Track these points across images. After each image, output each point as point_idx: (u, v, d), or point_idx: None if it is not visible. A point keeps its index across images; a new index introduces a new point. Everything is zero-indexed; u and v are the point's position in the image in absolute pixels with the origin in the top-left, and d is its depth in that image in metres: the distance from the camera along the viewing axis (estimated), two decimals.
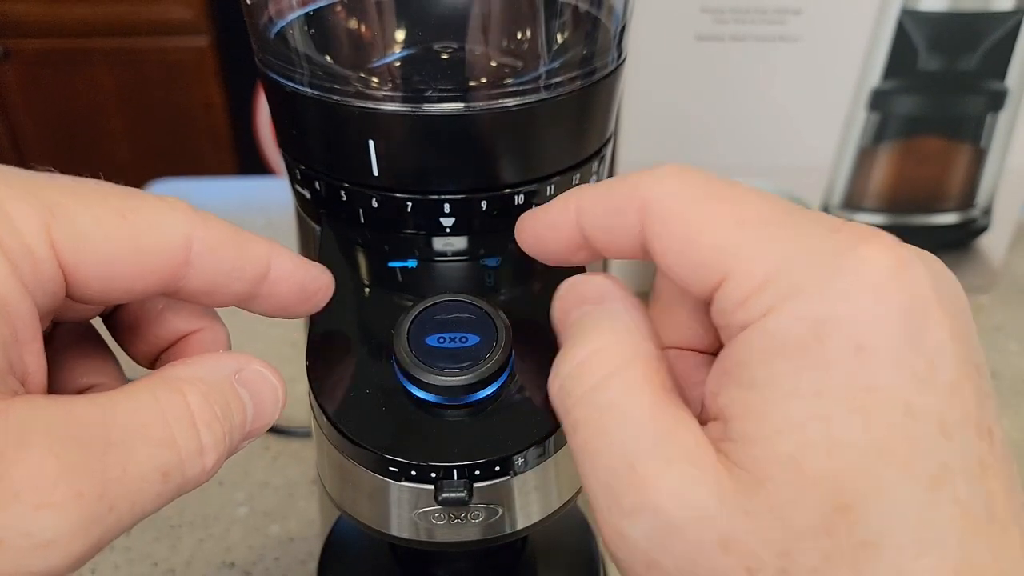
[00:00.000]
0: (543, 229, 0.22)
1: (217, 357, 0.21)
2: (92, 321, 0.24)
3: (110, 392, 0.19)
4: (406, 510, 0.25)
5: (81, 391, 0.23)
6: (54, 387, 0.21)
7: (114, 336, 0.24)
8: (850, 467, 0.16)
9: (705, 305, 0.20)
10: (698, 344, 0.22)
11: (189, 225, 0.21)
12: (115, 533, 0.18)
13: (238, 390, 0.21)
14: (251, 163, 1.62)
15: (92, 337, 0.24)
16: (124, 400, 0.18)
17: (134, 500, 0.18)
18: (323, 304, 0.24)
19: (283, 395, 0.22)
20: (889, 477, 0.16)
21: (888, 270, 0.17)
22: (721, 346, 0.19)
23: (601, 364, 0.19)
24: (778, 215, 0.19)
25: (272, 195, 0.82)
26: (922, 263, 0.18)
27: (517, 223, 0.23)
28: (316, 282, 0.24)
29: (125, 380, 0.24)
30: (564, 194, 0.22)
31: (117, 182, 0.22)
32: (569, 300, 0.22)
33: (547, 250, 0.23)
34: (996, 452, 0.17)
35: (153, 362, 0.24)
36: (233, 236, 0.22)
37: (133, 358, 0.24)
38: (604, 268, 0.62)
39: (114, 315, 0.24)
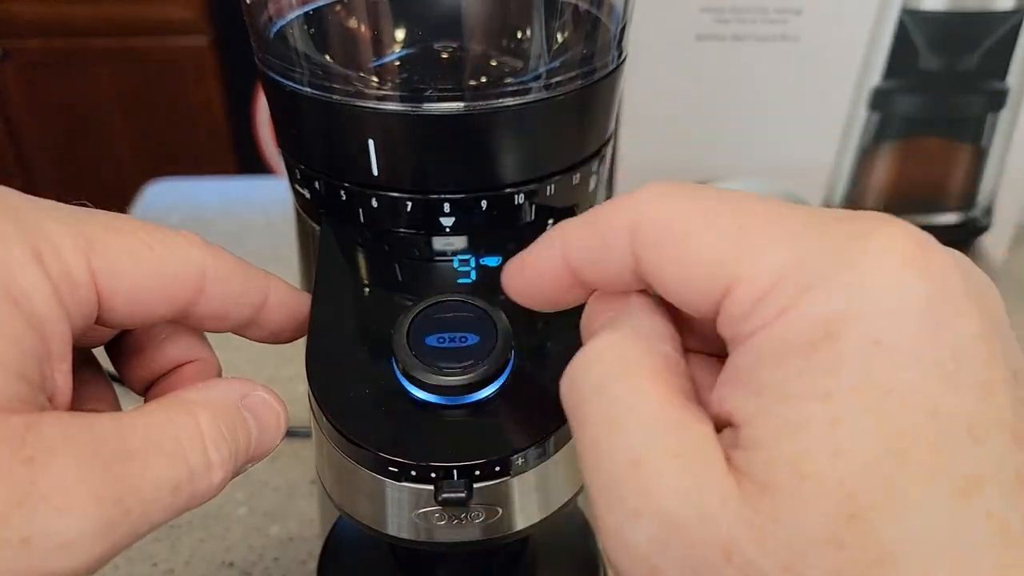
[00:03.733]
0: (530, 274, 0.22)
1: (226, 383, 0.23)
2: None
3: (128, 411, 0.20)
4: (406, 510, 0.25)
5: None
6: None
7: (114, 363, 0.26)
8: (862, 473, 0.15)
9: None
10: (705, 347, 0.21)
11: (203, 255, 0.23)
12: (129, 539, 0.19)
13: (244, 414, 0.23)
14: (251, 163, 1.62)
15: (93, 364, 0.26)
16: (141, 418, 0.20)
17: (147, 509, 0.19)
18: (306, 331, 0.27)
19: (285, 421, 0.24)
20: (908, 484, 0.15)
21: (907, 257, 0.16)
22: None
23: (613, 360, 0.19)
24: (778, 215, 0.17)
25: (272, 194, 0.82)
26: (946, 251, 0.17)
27: (503, 272, 0.22)
28: (306, 309, 0.26)
29: (120, 407, 0.26)
30: (546, 233, 0.21)
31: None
32: (595, 308, 0.21)
33: (539, 296, 0.22)
34: None
35: (146, 389, 0.26)
36: (240, 267, 0.24)
37: (129, 384, 0.26)
38: None
39: (117, 343, 0.26)
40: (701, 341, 0.21)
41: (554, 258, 0.21)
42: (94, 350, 0.26)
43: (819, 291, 0.16)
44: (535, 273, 0.21)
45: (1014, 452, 0.15)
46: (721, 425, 0.18)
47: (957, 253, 0.17)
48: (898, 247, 0.16)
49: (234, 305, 0.24)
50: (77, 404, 0.23)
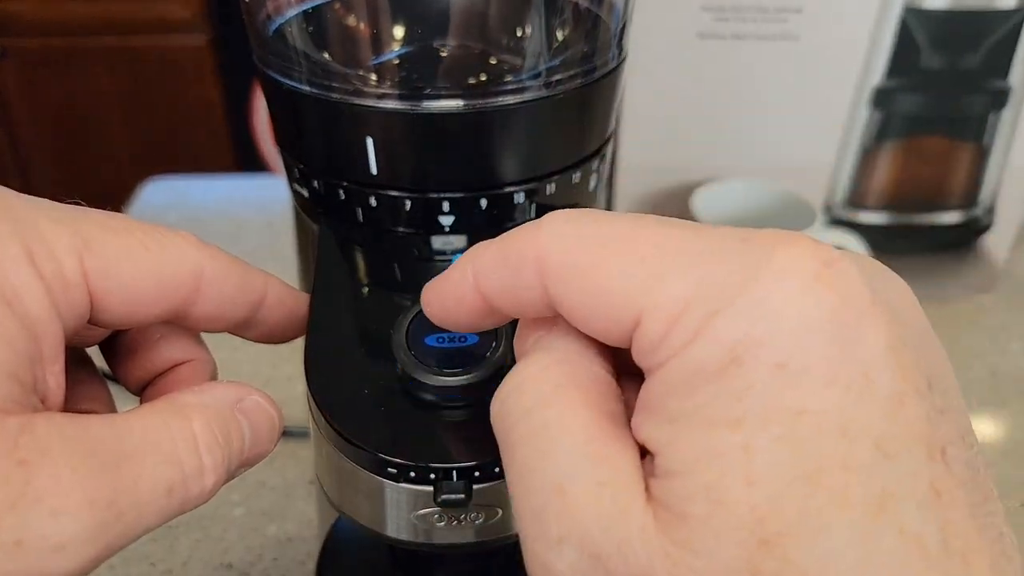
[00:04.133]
0: (446, 301, 0.21)
1: (221, 387, 0.23)
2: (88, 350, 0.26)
3: (122, 413, 0.20)
4: (405, 511, 0.25)
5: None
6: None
7: (109, 363, 0.26)
8: (773, 497, 0.15)
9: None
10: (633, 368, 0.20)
11: (200, 256, 0.23)
12: (123, 541, 0.19)
13: (238, 418, 0.22)
14: (249, 161, 1.62)
15: (88, 364, 0.26)
16: (135, 420, 0.20)
17: (141, 512, 0.19)
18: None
19: (279, 426, 0.24)
20: (819, 506, 0.15)
21: (810, 272, 0.16)
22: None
23: (543, 382, 0.18)
24: (680, 240, 0.17)
25: (270, 193, 0.82)
26: (852, 261, 0.16)
27: (422, 295, 0.22)
28: (304, 308, 0.26)
29: (115, 407, 0.25)
30: (460, 260, 0.21)
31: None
32: (525, 330, 0.21)
33: (458, 322, 0.22)
34: (955, 476, 0.16)
35: (142, 389, 0.26)
36: (237, 266, 0.24)
37: (124, 384, 0.26)
38: None
39: (112, 342, 0.25)
40: (625, 363, 0.20)
41: (467, 286, 0.20)
42: (90, 350, 0.26)
43: (723, 315, 0.16)
44: (450, 300, 0.21)
45: (928, 465, 0.15)
46: (643, 452, 0.18)
47: (867, 261, 0.17)
48: (801, 264, 0.16)
49: (231, 305, 0.24)
50: (71, 404, 0.23)
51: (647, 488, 0.17)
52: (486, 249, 0.20)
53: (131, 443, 0.19)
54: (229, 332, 0.25)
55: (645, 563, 0.16)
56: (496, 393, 0.19)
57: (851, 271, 0.16)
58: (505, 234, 0.20)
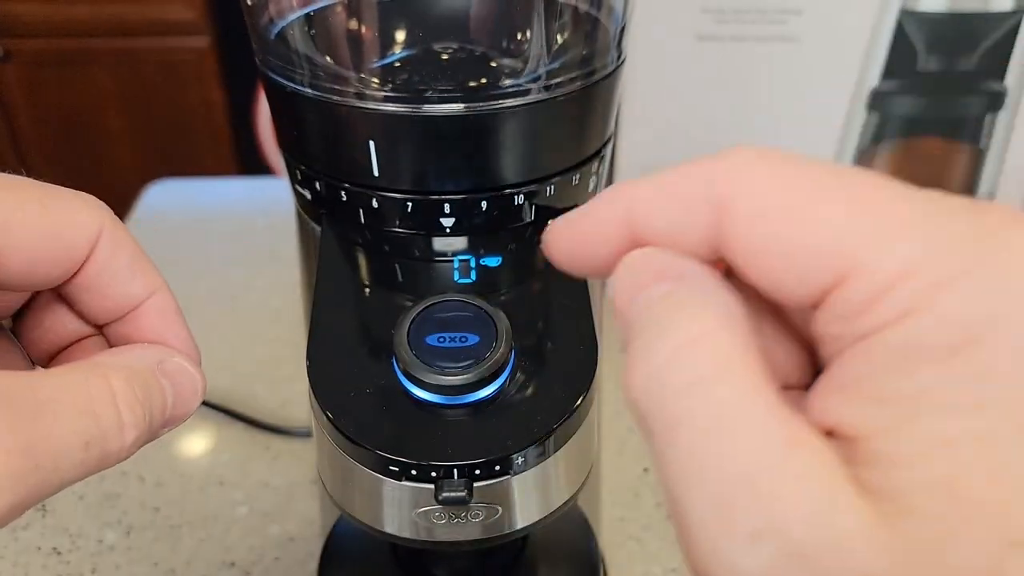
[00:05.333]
0: (585, 236, 0.19)
1: (141, 348, 0.23)
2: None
3: (39, 371, 0.21)
4: (406, 509, 0.26)
5: None
6: None
7: (16, 335, 0.26)
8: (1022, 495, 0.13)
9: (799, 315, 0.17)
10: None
11: (101, 216, 0.23)
12: (39, 493, 0.19)
13: (160, 379, 0.22)
14: (251, 163, 1.62)
15: (5, 336, 0.26)
16: (51, 377, 0.20)
17: (58, 463, 0.19)
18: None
19: (202, 387, 0.24)
20: None
21: None
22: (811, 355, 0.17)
23: (708, 353, 0.15)
24: (897, 195, 0.15)
25: (273, 195, 0.82)
26: None
27: (547, 233, 0.19)
28: (181, 339, 0.25)
29: None
30: (605, 194, 0.18)
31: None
32: (639, 277, 0.18)
33: (588, 261, 0.19)
34: None
35: (50, 362, 0.25)
36: (134, 244, 0.24)
37: (33, 357, 0.26)
38: None
39: (19, 317, 0.25)
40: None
41: (614, 222, 0.18)
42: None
43: (955, 289, 0.14)
44: (591, 239, 0.19)
45: None
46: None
47: None
48: None
49: (128, 272, 0.23)
50: None
51: (853, 478, 0.15)
52: (642, 185, 0.18)
53: (46, 396, 0.19)
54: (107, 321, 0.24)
55: (862, 563, 0.14)
56: (637, 362, 0.16)
57: None
58: (666, 169, 0.17)
